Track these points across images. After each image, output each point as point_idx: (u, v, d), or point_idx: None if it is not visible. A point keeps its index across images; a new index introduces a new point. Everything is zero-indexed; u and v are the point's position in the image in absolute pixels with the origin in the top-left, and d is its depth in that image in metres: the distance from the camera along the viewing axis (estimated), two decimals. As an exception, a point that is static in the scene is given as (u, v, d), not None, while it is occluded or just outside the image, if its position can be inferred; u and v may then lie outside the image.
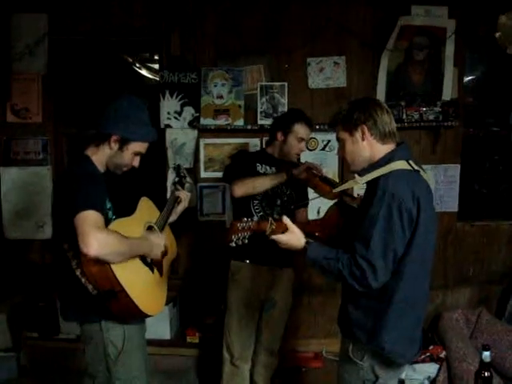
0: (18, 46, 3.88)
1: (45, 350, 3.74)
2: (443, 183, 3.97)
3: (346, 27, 3.86)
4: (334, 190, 2.48)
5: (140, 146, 2.32)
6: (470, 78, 4.25)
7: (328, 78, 3.88)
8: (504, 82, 4.26)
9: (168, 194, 3.74)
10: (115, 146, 2.26)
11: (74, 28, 3.92)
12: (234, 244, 2.20)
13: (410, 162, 2.11)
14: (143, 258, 2.29)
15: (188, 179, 2.90)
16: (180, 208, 2.70)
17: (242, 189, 2.95)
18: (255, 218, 2.35)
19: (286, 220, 2.15)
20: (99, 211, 2.05)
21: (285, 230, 2.15)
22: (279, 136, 3.07)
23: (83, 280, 2.13)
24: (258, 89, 3.87)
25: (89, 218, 1.99)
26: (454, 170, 3.98)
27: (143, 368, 2.41)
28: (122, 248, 2.09)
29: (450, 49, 3.80)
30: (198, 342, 3.74)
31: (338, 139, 2.23)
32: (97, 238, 1.95)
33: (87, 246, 1.94)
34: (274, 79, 3.89)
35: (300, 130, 3.02)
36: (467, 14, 3.81)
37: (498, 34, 3.75)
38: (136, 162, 2.36)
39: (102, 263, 2.03)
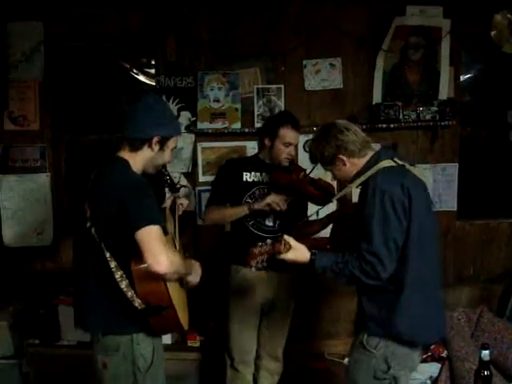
0: (15, 54, 3.87)
1: (46, 356, 3.72)
2: (442, 182, 3.99)
3: (342, 29, 3.87)
4: (333, 199, 2.56)
5: (175, 141, 2.33)
6: (466, 76, 4.27)
7: (324, 80, 3.89)
8: (500, 80, 4.27)
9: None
10: (156, 147, 2.23)
11: (70, 35, 3.91)
12: (254, 269, 2.31)
13: (395, 159, 2.26)
14: None
15: (180, 184, 2.91)
16: (180, 212, 2.74)
17: (209, 219, 3.09)
18: (268, 241, 2.37)
19: (289, 239, 2.27)
20: (161, 225, 2.03)
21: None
22: (266, 142, 3.02)
23: (129, 294, 2.08)
24: (255, 92, 3.88)
25: (156, 234, 1.97)
26: (453, 168, 3.99)
27: (164, 380, 2.41)
28: (182, 269, 2.13)
29: (445, 48, 3.81)
30: (199, 345, 3.74)
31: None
32: (168, 255, 1.95)
33: (159, 264, 1.93)
34: (270, 82, 3.90)
35: (286, 134, 2.94)
36: (462, 14, 3.83)
37: (493, 33, 3.78)
38: (171, 158, 2.40)
39: (157, 280, 2.02)
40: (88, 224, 2.17)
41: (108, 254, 2.10)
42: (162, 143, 2.24)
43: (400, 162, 2.25)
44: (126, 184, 2.09)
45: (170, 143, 2.28)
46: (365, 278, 2.12)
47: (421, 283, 2.19)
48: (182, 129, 3.84)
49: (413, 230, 2.14)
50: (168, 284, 2.08)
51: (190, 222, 3.85)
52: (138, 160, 2.23)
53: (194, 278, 2.37)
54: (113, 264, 2.10)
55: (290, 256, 2.26)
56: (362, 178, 2.24)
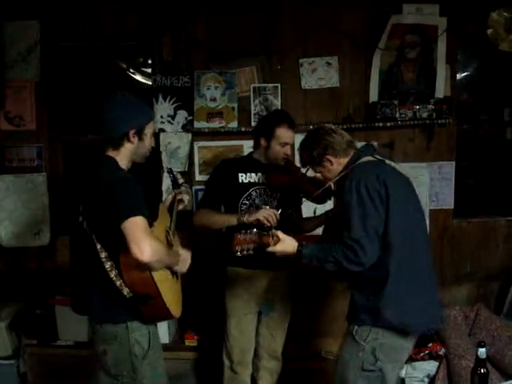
0: (11, 54, 3.88)
1: (44, 356, 3.73)
2: (438, 180, 3.97)
3: (338, 27, 3.86)
4: (315, 194, 2.66)
5: (151, 126, 2.43)
6: (462, 75, 4.26)
7: (321, 79, 3.88)
8: (497, 78, 4.27)
9: (164, 197, 3.78)
10: (135, 139, 2.34)
11: (67, 34, 3.92)
12: (239, 254, 2.39)
13: (376, 155, 2.42)
14: None
15: (181, 181, 2.99)
16: (180, 207, 2.86)
17: (198, 222, 3.11)
18: (254, 230, 2.45)
19: (276, 232, 2.40)
20: (145, 217, 2.12)
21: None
22: (262, 142, 3.00)
23: (118, 283, 2.19)
24: (251, 90, 3.88)
25: (140, 224, 2.07)
26: (449, 166, 3.98)
27: (163, 365, 2.50)
28: (166, 257, 2.23)
29: (441, 46, 3.80)
30: (197, 345, 3.75)
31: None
32: (151, 244, 2.04)
33: (142, 252, 2.01)
34: (266, 81, 3.90)
35: (282, 134, 2.93)
36: (458, 12, 3.81)
37: (489, 31, 3.78)
38: (153, 142, 2.48)
39: (143, 269, 2.12)
40: (80, 218, 2.31)
41: (99, 246, 2.22)
42: (139, 133, 2.35)
43: (379, 158, 2.40)
44: (113, 180, 2.20)
45: (147, 130, 2.39)
46: (347, 263, 2.20)
47: (408, 272, 2.27)
48: (179, 128, 3.85)
49: (394, 220, 2.23)
50: (156, 273, 2.18)
51: (187, 222, 3.84)
52: (123, 155, 2.35)
53: (182, 267, 2.51)
54: (103, 255, 2.22)
55: (278, 248, 2.38)
56: (342, 174, 2.41)
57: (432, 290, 2.40)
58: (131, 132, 2.31)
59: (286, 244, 2.38)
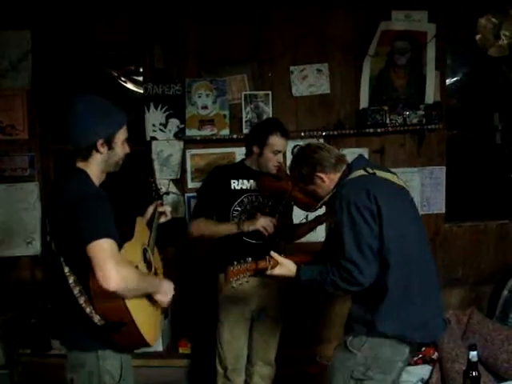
0: (2, 63, 3.87)
1: (37, 366, 3.71)
2: (429, 185, 4.01)
3: (328, 34, 3.89)
4: (315, 208, 2.63)
5: (123, 133, 2.21)
6: (452, 80, 4.30)
7: (311, 86, 3.91)
8: (486, 83, 4.31)
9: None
10: (104, 149, 2.14)
11: (58, 43, 3.91)
12: (234, 285, 2.37)
13: (367, 168, 2.35)
14: None
15: (163, 191, 2.90)
16: (162, 220, 2.67)
17: (196, 232, 3.07)
18: (249, 259, 2.42)
19: (274, 255, 2.41)
20: (114, 238, 1.93)
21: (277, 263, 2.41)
22: (255, 149, 3.03)
23: (88, 309, 2.01)
24: (243, 98, 3.89)
25: (106, 248, 1.88)
26: (440, 171, 4.02)
27: None
28: (140, 285, 2.03)
29: (431, 52, 3.84)
30: (190, 352, 3.75)
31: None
32: (118, 272, 1.86)
33: (107, 280, 1.84)
34: (257, 88, 3.91)
35: (275, 142, 2.96)
36: (447, 18, 3.86)
37: (478, 37, 3.82)
38: (127, 149, 2.25)
39: (115, 296, 1.92)
40: (48, 238, 2.13)
41: (67, 269, 2.04)
42: (108, 143, 2.15)
43: (371, 171, 2.34)
44: (78, 197, 2.00)
45: (117, 138, 2.18)
46: (345, 284, 2.19)
47: (406, 287, 2.23)
48: (171, 136, 3.86)
49: (389, 236, 2.19)
50: (131, 299, 2.00)
51: (180, 230, 3.84)
52: (93, 167, 2.16)
53: (163, 297, 2.24)
54: (71, 279, 2.04)
55: (277, 272, 2.39)
56: (334, 191, 2.37)
57: (433, 303, 2.34)
58: (99, 142, 2.11)
59: (284, 268, 2.38)
